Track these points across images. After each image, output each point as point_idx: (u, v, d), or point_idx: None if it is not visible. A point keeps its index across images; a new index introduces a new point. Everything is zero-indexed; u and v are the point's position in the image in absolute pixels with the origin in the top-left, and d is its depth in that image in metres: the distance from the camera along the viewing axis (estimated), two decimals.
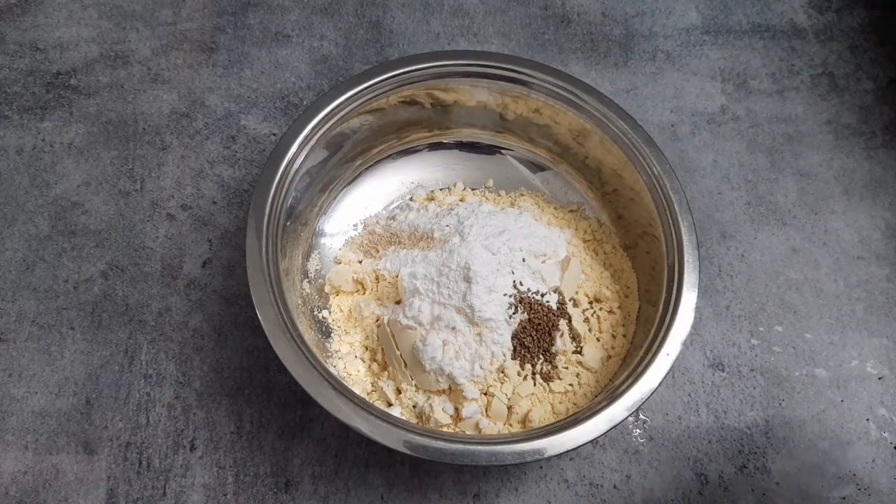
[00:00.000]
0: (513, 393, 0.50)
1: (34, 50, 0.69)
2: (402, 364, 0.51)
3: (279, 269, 0.49)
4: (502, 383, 0.51)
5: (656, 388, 0.46)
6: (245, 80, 0.69)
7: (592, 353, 0.53)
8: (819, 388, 0.58)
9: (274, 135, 0.66)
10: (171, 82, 0.68)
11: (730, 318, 0.60)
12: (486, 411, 0.50)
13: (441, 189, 0.62)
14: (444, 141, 0.63)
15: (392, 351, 0.51)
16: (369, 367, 0.54)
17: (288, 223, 0.53)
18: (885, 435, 0.56)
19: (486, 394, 0.51)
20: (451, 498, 0.52)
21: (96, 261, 0.59)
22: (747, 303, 0.61)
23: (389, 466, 0.52)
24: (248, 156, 0.65)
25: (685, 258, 0.51)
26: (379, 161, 0.62)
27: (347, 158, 0.59)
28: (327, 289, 0.56)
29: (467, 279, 0.50)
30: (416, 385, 0.51)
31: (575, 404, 0.51)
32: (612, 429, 0.45)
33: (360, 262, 0.58)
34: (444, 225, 0.55)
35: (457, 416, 0.50)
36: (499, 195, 0.62)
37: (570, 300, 0.54)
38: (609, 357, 0.54)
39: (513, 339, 0.51)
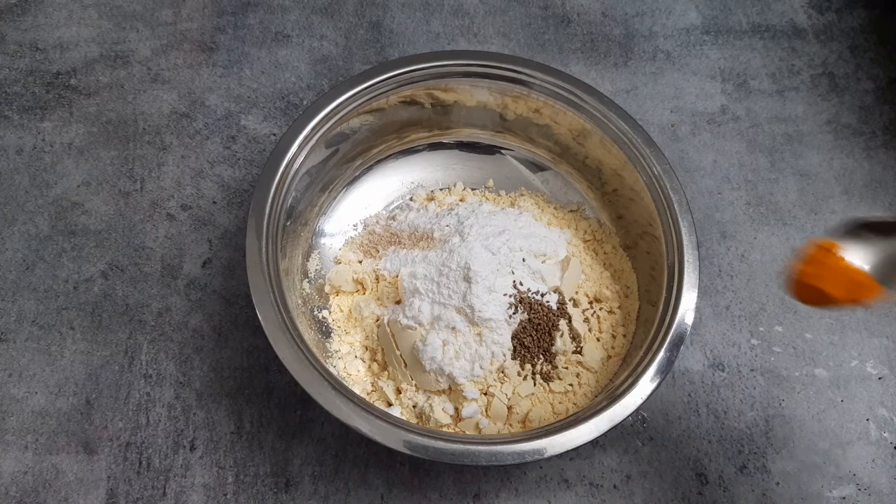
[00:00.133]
0: (513, 393, 0.50)
1: (34, 50, 0.69)
2: (402, 364, 0.51)
3: (279, 269, 0.49)
4: (502, 383, 0.51)
5: (656, 388, 0.47)
6: (245, 80, 0.69)
7: (592, 353, 0.53)
8: (819, 388, 0.58)
9: (274, 135, 0.66)
10: (171, 82, 0.68)
11: (730, 318, 0.60)
12: (486, 411, 0.50)
13: (441, 189, 0.62)
14: (444, 141, 0.63)
15: (392, 351, 0.51)
16: (369, 367, 0.54)
17: (288, 223, 0.53)
18: (885, 435, 0.56)
19: (486, 394, 0.51)
20: (451, 498, 0.52)
21: (96, 261, 0.59)
22: (747, 303, 0.61)
23: (389, 466, 0.52)
24: (248, 156, 0.65)
25: (685, 258, 0.51)
26: (379, 161, 0.62)
27: (347, 158, 0.59)
28: (327, 289, 0.56)
29: (467, 279, 0.50)
30: (416, 385, 0.51)
31: (575, 404, 0.51)
32: (612, 429, 0.45)
33: (360, 262, 0.58)
34: (444, 225, 0.55)
35: (457, 416, 0.50)
36: (499, 195, 0.62)
37: (570, 300, 0.54)
38: (609, 357, 0.54)
39: (513, 339, 0.51)
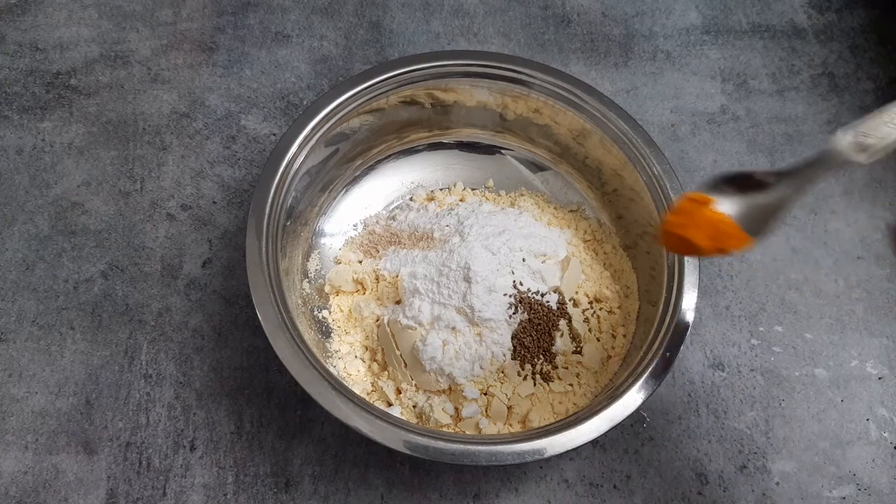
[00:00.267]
0: (513, 393, 0.50)
1: (34, 50, 0.69)
2: (402, 364, 0.51)
3: (279, 269, 0.49)
4: (502, 383, 0.51)
5: (656, 388, 0.47)
6: (245, 80, 0.69)
7: (592, 353, 0.53)
8: (819, 388, 0.58)
9: (274, 135, 0.66)
10: (171, 82, 0.68)
11: (730, 318, 0.60)
12: (486, 411, 0.50)
13: (441, 189, 0.62)
14: (444, 141, 0.63)
15: (392, 351, 0.51)
16: (369, 367, 0.54)
17: (288, 223, 0.53)
18: (885, 435, 0.56)
19: (486, 394, 0.51)
20: (451, 498, 0.52)
21: (96, 261, 0.59)
22: (747, 303, 0.61)
23: (389, 466, 0.52)
24: (248, 156, 0.65)
25: (685, 258, 0.51)
26: (379, 161, 0.62)
27: (347, 158, 0.59)
28: (327, 289, 0.56)
29: (467, 279, 0.50)
30: (416, 385, 0.51)
31: (575, 404, 0.51)
32: (612, 429, 0.45)
33: (360, 262, 0.58)
34: (444, 225, 0.55)
35: (457, 416, 0.50)
36: (499, 195, 0.62)
37: (570, 300, 0.54)
38: (609, 357, 0.54)
39: (513, 339, 0.51)
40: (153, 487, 0.51)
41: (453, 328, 0.50)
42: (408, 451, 0.43)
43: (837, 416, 0.57)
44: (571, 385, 0.52)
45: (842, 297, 0.61)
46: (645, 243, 0.56)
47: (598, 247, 0.59)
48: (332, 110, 0.54)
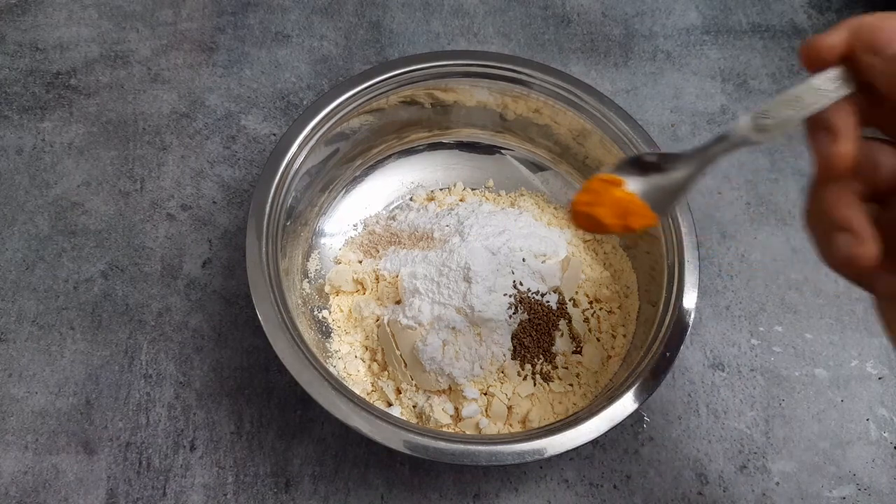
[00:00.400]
0: (513, 393, 0.50)
1: (34, 50, 0.69)
2: (402, 364, 0.51)
3: (279, 269, 0.49)
4: (502, 383, 0.51)
5: (656, 388, 0.47)
6: (245, 80, 0.69)
7: (592, 353, 0.53)
8: (819, 388, 0.58)
9: (274, 135, 0.66)
10: (171, 82, 0.68)
11: (730, 318, 0.60)
12: (486, 411, 0.50)
13: (441, 189, 0.62)
14: (444, 141, 0.63)
15: (392, 351, 0.51)
16: (369, 367, 0.54)
17: (288, 223, 0.53)
18: (885, 435, 0.56)
19: (486, 394, 0.51)
20: (451, 498, 0.52)
21: (96, 261, 0.59)
22: (747, 303, 0.61)
23: (389, 466, 0.52)
24: (248, 156, 0.65)
25: (685, 258, 0.51)
26: (379, 161, 0.62)
27: (347, 158, 0.59)
28: (327, 289, 0.56)
29: (467, 279, 0.50)
30: (416, 385, 0.51)
31: (575, 404, 0.51)
32: (612, 429, 0.45)
33: (360, 262, 0.58)
34: (444, 225, 0.55)
35: (457, 416, 0.50)
36: (499, 195, 0.62)
37: (570, 300, 0.54)
38: (609, 357, 0.54)
39: (513, 339, 0.51)
40: (153, 487, 0.51)
41: (453, 328, 0.50)
42: (408, 451, 0.43)
43: (837, 416, 0.57)
44: (571, 385, 0.52)
45: (842, 297, 0.61)
46: (645, 243, 0.56)
47: (597, 247, 0.59)
48: (332, 110, 0.54)
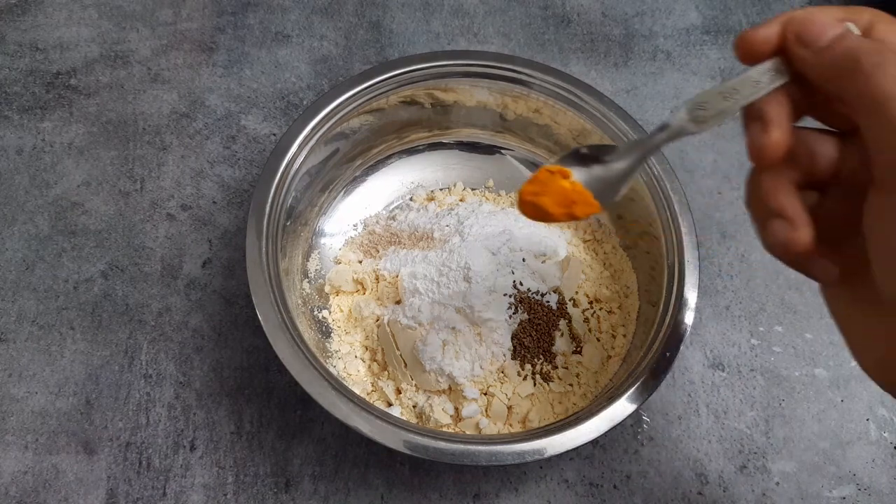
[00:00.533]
0: (513, 393, 0.50)
1: (34, 50, 0.69)
2: (402, 364, 0.51)
3: (279, 269, 0.49)
4: (502, 383, 0.51)
5: (656, 388, 0.47)
6: (245, 80, 0.69)
7: (592, 353, 0.53)
8: (819, 388, 0.58)
9: (274, 135, 0.66)
10: (171, 82, 0.68)
11: (730, 318, 0.60)
12: (486, 411, 0.50)
13: (441, 189, 0.62)
14: (444, 141, 0.63)
15: (392, 351, 0.51)
16: (369, 367, 0.54)
17: (288, 223, 0.53)
18: (885, 435, 0.56)
19: (486, 394, 0.51)
20: (451, 498, 0.52)
21: (96, 261, 0.59)
22: (747, 303, 0.61)
23: (389, 466, 0.52)
24: (248, 156, 0.65)
25: (685, 258, 0.51)
26: (379, 161, 0.62)
27: (347, 158, 0.59)
28: (327, 289, 0.56)
29: (467, 279, 0.50)
30: (416, 385, 0.51)
31: (575, 404, 0.51)
32: (612, 429, 0.45)
33: (360, 262, 0.58)
34: (444, 225, 0.55)
35: (457, 416, 0.50)
36: (499, 195, 0.62)
37: (570, 300, 0.54)
38: (609, 357, 0.54)
39: (513, 339, 0.51)
40: (153, 487, 0.51)
41: (453, 328, 0.50)
42: (408, 451, 0.43)
43: (837, 416, 0.57)
44: (571, 385, 0.52)
45: None
46: (645, 243, 0.56)
47: (597, 247, 0.59)
48: (332, 110, 0.54)
